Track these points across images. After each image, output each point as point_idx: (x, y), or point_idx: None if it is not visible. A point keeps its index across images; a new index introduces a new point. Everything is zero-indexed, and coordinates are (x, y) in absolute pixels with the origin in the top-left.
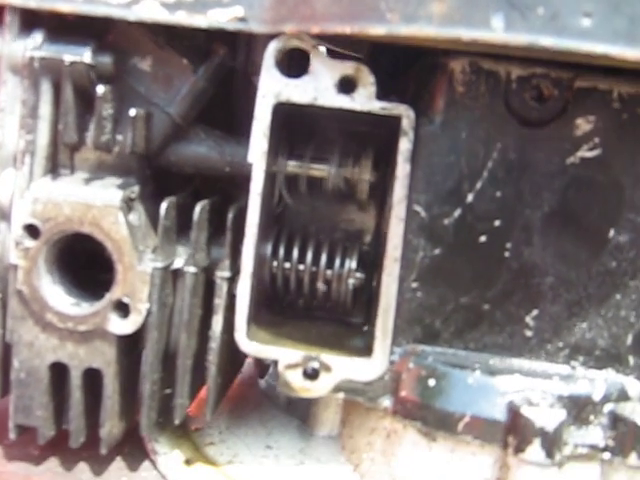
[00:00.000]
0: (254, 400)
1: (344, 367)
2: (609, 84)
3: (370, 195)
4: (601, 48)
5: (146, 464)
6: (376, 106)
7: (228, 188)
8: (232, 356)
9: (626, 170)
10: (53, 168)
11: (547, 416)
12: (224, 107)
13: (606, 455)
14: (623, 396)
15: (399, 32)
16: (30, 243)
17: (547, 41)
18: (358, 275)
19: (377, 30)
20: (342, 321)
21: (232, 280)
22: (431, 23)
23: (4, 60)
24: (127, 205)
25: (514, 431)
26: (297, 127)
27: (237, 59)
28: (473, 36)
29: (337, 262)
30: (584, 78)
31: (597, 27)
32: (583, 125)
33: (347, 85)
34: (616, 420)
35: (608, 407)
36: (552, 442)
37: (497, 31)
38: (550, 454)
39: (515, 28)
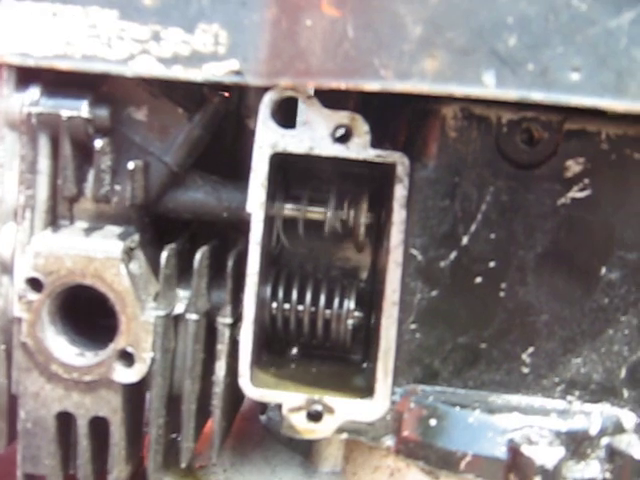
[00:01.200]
0: (256, 436)
1: (347, 409)
2: (597, 126)
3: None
4: (590, 101)
5: None
6: (371, 154)
7: (226, 230)
8: (234, 396)
9: (616, 209)
10: (53, 220)
11: (547, 454)
12: (217, 150)
13: None
14: (619, 429)
15: (393, 88)
16: (33, 296)
17: (538, 96)
18: (357, 314)
19: (371, 86)
20: (341, 358)
21: (234, 326)
22: (424, 80)
23: (1, 116)
24: (128, 255)
25: (515, 469)
26: (292, 168)
27: (230, 102)
28: (465, 92)
29: (336, 302)
30: (573, 120)
31: (586, 81)
32: (573, 166)
33: (342, 134)
34: (613, 453)
35: (605, 441)
36: (552, 479)
37: (489, 87)
38: None
39: (506, 84)
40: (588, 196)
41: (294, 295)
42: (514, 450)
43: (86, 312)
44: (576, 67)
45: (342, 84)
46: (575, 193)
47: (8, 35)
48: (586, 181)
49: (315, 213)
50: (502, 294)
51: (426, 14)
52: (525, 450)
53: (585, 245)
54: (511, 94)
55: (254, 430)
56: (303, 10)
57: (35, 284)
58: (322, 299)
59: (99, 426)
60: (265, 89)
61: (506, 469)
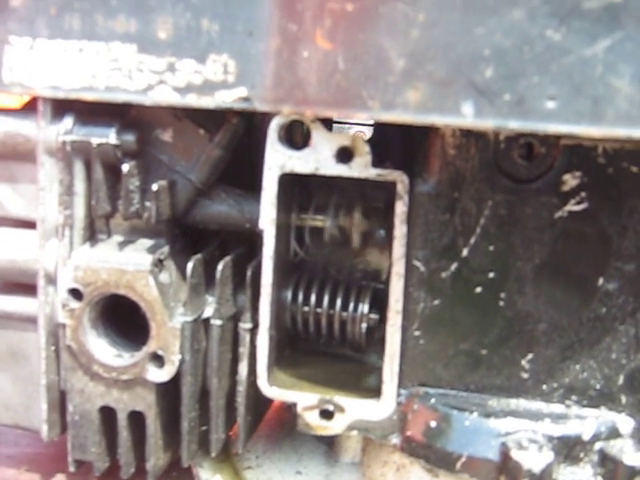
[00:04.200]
0: (289, 424)
1: (356, 408)
2: (594, 141)
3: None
4: (566, 128)
5: None
6: (372, 173)
7: (254, 237)
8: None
9: (612, 221)
10: (91, 234)
11: (534, 459)
12: (247, 162)
13: None
14: (614, 434)
15: (380, 118)
16: (75, 304)
17: (514, 125)
18: (372, 316)
19: (361, 116)
20: (360, 357)
21: (253, 330)
22: (407, 110)
23: (40, 144)
24: (157, 267)
25: (505, 472)
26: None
27: (257, 116)
28: (446, 122)
29: (351, 305)
30: (569, 136)
31: (562, 109)
32: (570, 180)
33: (345, 155)
34: (605, 458)
35: (598, 445)
36: None
37: (467, 117)
38: None
39: (484, 114)
40: (585, 209)
41: (313, 298)
42: (505, 454)
43: (129, 312)
44: (552, 96)
45: (335, 113)
46: (572, 206)
47: (41, 70)
48: (583, 194)
49: (318, 221)
50: (501, 303)
51: (408, 48)
52: (514, 454)
53: (582, 256)
54: (489, 123)
55: (287, 418)
56: (300, 41)
57: (76, 294)
58: (338, 302)
59: (138, 419)
60: None
61: (497, 471)
